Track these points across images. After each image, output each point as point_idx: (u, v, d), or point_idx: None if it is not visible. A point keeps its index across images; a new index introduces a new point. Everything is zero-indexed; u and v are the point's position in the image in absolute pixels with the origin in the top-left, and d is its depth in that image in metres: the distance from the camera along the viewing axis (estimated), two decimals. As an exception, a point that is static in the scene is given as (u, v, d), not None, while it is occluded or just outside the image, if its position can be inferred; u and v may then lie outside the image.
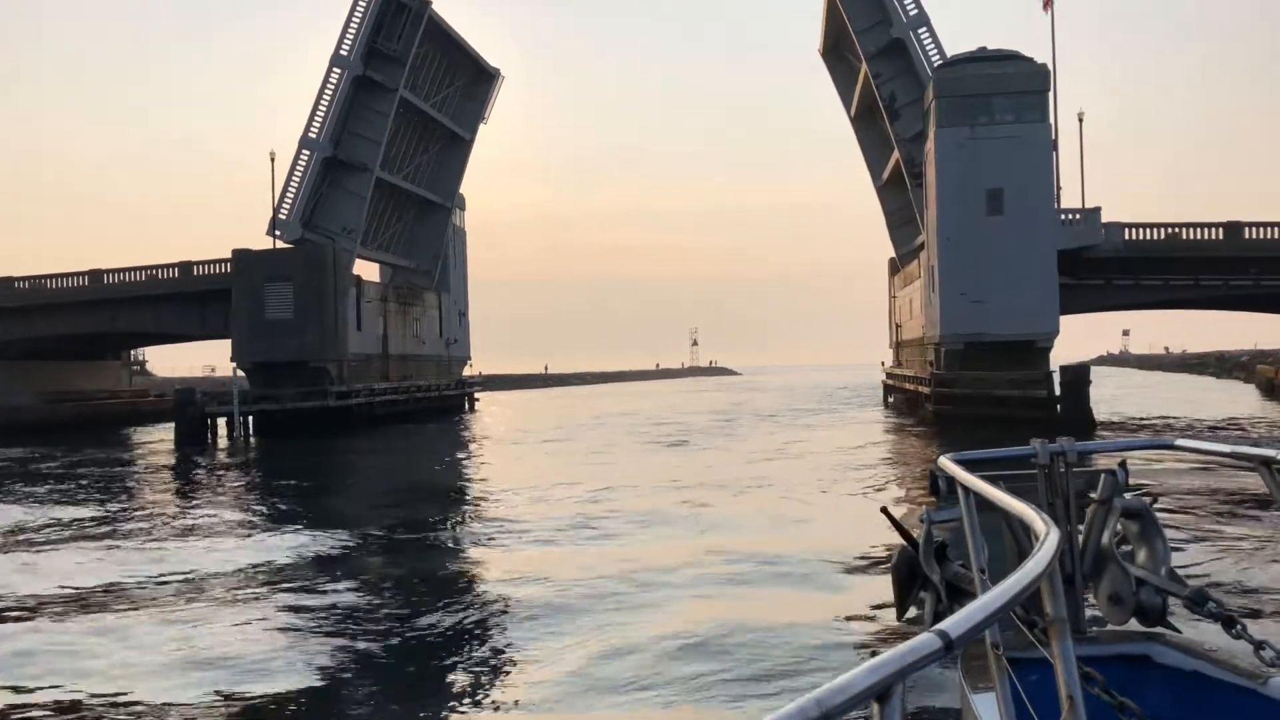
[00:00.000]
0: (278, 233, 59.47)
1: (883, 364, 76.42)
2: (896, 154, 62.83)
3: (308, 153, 59.62)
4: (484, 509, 23.49)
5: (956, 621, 1.94)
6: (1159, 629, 4.39)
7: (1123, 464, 4.59)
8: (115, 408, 70.74)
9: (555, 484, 27.65)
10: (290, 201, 59.62)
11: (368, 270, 72.29)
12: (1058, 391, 44.25)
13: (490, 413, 75.82)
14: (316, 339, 57.21)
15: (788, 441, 40.57)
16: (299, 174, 59.65)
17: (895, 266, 72.38)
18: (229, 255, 58.67)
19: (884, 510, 5.46)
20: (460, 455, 43.76)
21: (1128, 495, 4.50)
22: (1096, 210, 51.30)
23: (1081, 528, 4.54)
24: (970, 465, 4.37)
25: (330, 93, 59.94)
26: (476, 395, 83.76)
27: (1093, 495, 4.49)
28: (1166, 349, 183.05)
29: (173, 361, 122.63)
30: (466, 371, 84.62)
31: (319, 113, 59.85)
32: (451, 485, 31.23)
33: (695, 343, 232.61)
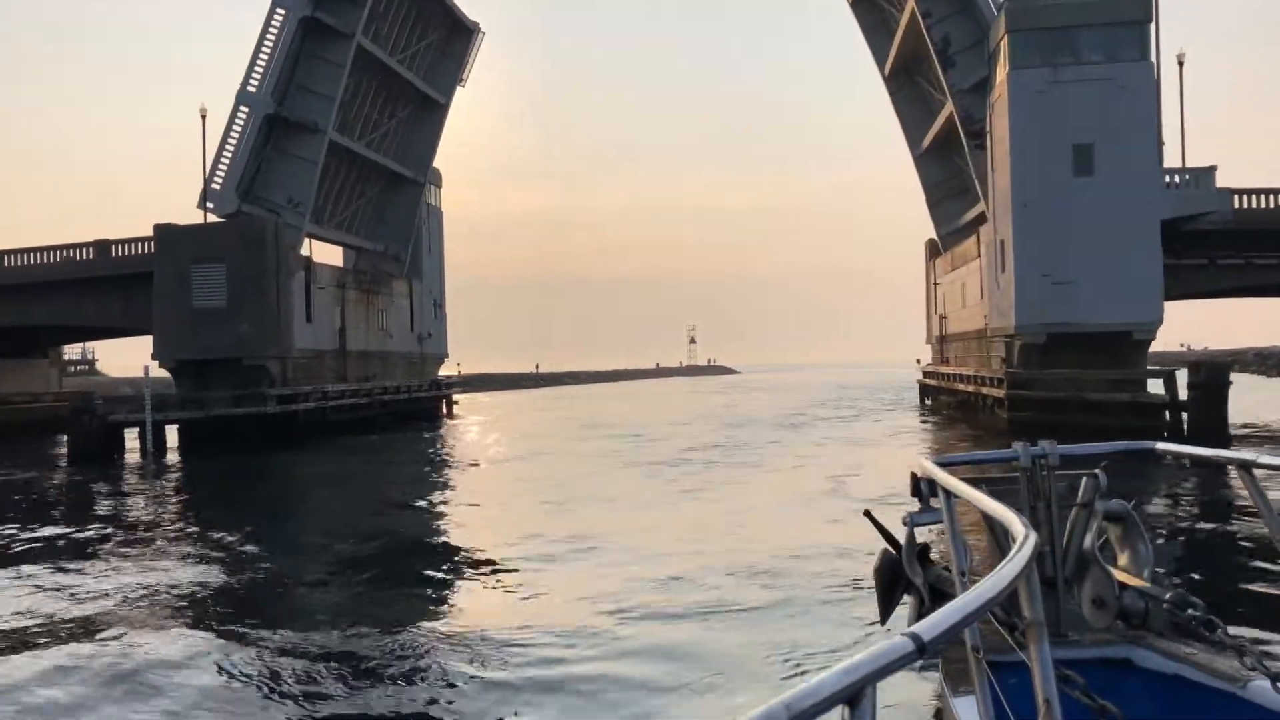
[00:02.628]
0: (210, 205, 49.71)
1: (918, 361, 66.92)
2: (945, 114, 53.27)
3: (246, 110, 49.87)
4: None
5: (930, 624, 1.89)
6: (1141, 632, 4.38)
7: (1104, 468, 4.65)
8: (33, 414, 60.69)
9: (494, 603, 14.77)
10: (225, 168, 49.85)
11: (329, 254, 62.63)
12: (1182, 395, 34.68)
13: (469, 420, 66.18)
14: (254, 331, 47.53)
15: (850, 468, 30.91)
16: (235, 135, 49.89)
17: (936, 249, 62.85)
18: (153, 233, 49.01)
19: (867, 513, 5.52)
20: (417, 483, 34.17)
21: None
22: (1210, 170, 41.77)
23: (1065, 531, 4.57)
24: (952, 468, 4.53)
25: (273, 37, 50.14)
26: (455, 397, 74.12)
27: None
28: (1187, 345, 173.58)
29: (125, 359, 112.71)
30: (444, 370, 74.96)
31: (259, 62, 50.06)
32: (388, 542, 21.59)
33: (693, 340, 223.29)
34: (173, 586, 15.98)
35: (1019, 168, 41.03)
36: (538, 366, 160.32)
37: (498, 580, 15.95)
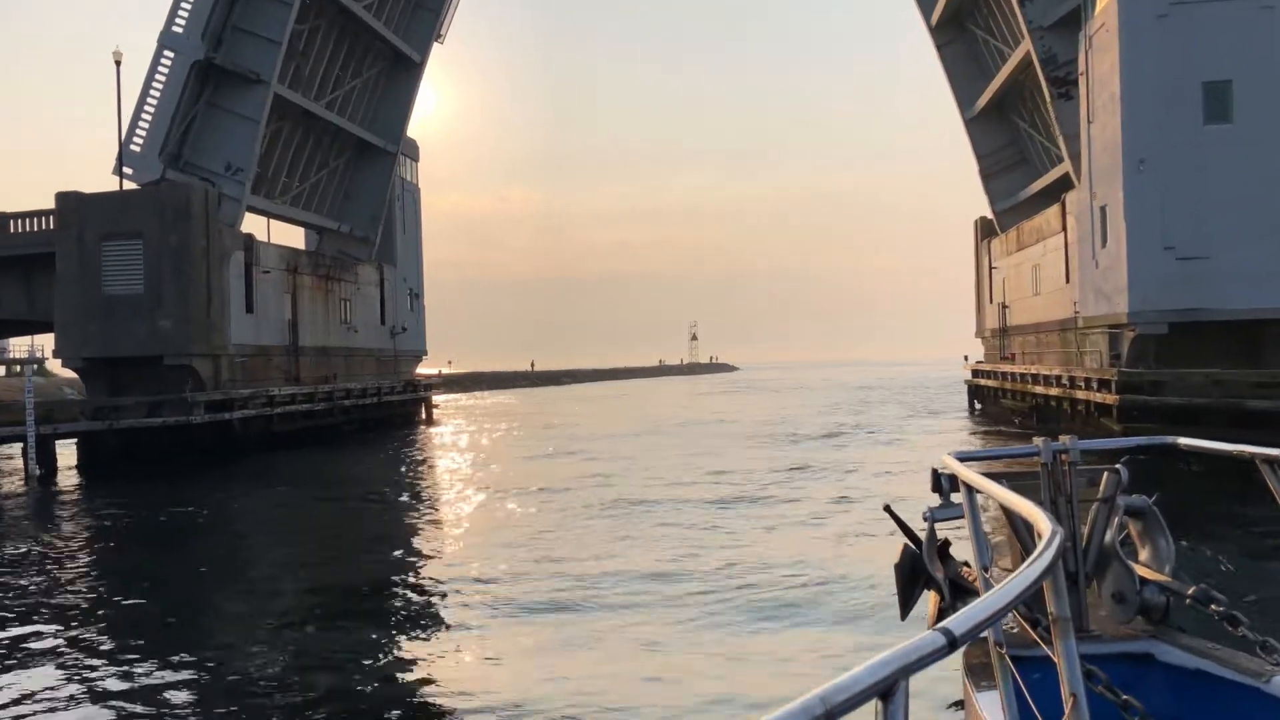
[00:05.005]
0: (128, 172, 41.01)
1: (966, 358, 58.26)
2: (1012, 64, 44.81)
3: (171, 55, 41.14)
4: None
5: (960, 620, 1.92)
6: (1162, 627, 4.35)
7: (1125, 463, 4.61)
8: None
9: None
10: (146, 127, 41.15)
11: (290, 236, 53.96)
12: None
13: (450, 427, 57.42)
14: (178, 323, 38.88)
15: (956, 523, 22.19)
16: (159, 86, 41.18)
17: (991, 228, 54.19)
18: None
19: (887, 508, 5.69)
20: (375, 515, 25.54)
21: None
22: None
23: (1085, 526, 4.50)
24: (973, 463, 4.45)
25: (203, -33, 41.43)
26: (436, 400, 65.40)
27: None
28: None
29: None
30: (427, 368, 66.32)
31: (187, -4, 41.37)
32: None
33: (694, 337, 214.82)
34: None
35: (1132, 115, 32.42)
36: (533, 364, 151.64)
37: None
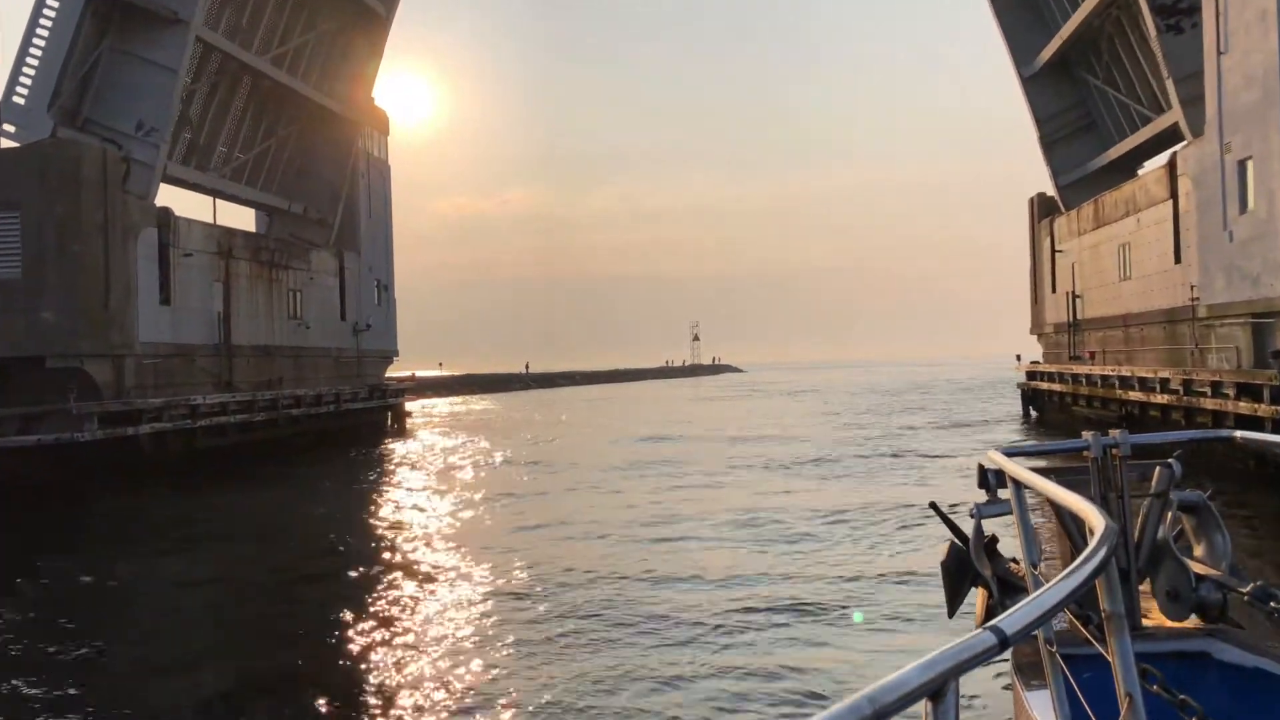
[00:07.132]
0: (9, 128, 33.18)
1: (1018, 358, 50.44)
2: (1091, 2, 37.04)
3: (63, -15, 33.35)
4: None
5: (1011, 619, 1.90)
6: (1219, 625, 4.17)
7: (1178, 456, 4.43)
8: None
9: None
10: (32, 74, 33.34)
11: (237, 218, 46.01)
12: None
13: (415, 446, 49.46)
14: (64, 315, 31.05)
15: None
16: (46, 24, 33.38)
17: (1052, 205, 46.35)
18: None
19: (933, 505, 5.43)
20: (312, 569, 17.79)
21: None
22: None
23: (1136, 522, 4.34)
24: (1019, 458, 4.24)
25: (102, -124, 33.61)
26: (410, 408, 57.56)
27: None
28: None
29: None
30: (394, 372, 58.48)
31: (83, -87, 33.50)
32: None
33: (696, 338, 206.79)
34: None
35: (1291, 36, 24.62)
36: (528, 366, 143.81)
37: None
